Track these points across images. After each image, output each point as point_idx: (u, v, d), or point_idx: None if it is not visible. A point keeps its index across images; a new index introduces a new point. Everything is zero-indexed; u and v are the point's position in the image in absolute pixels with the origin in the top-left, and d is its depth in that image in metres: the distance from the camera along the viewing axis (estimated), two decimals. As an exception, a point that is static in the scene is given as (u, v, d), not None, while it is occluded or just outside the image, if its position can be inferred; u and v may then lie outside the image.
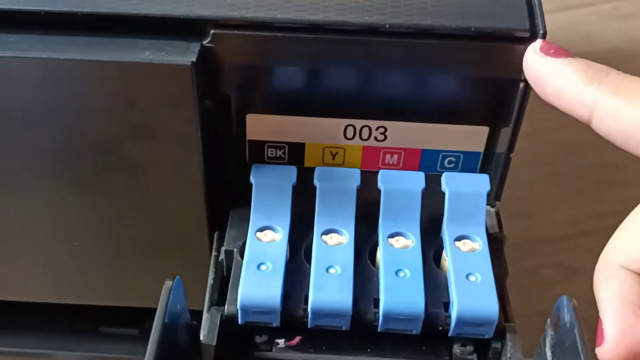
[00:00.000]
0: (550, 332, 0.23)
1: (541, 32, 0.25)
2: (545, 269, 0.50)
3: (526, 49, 0.25)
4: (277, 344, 0.26)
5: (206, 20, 0.25)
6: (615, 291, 0.23)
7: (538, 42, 0.25)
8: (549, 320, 0.23)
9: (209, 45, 0.26)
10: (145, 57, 0.24)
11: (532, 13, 0.26)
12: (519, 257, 0.50)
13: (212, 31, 0.26)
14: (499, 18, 0.26)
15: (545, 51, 0.25)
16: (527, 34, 0.25)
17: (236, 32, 0.26)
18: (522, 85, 0.27)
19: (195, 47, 0.25)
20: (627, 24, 0.68)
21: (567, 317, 0.22)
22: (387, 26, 0.25)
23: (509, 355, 0.25)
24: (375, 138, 0.29)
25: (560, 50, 0.24)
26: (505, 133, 0.29)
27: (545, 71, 0.24)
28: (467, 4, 0.26)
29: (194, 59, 0.25)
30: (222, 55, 0.26)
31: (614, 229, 0.24)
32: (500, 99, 0.28)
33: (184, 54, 0.25)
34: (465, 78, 0.28)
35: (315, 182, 0.28)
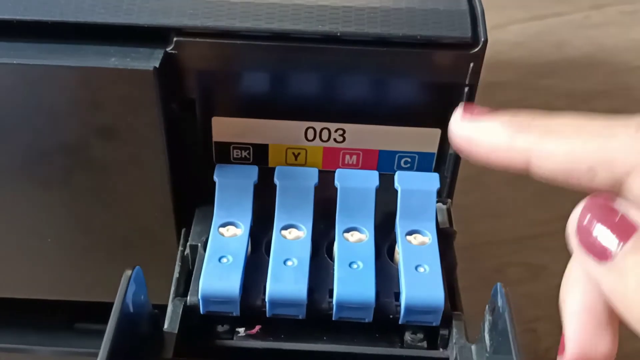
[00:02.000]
0: (488, 317, 0.25)
1: (482, 39, 0.27)
2: (511, 268, 0.51)
3: (469, 55, 0.27)
4: (238, 332, 0.27)
5: (169, 29, 0.27)
6: (579, 301, 0.22)
7: (458, 111, 0.23)
8: (487, 306, 0.25)
9: (172, 52, 0.27)
10: (110, 63, 0.26)
11: (475, 22, 0.28)
12: (486, 257, 0.52)
13: (175, 39, 0.27)
14: (443, 27, 0.27)
15: (467, 116, 0.23)
16: (469, 41, 0.27)
17: (197, 39, 0.27)
18: (466, 89, 0.28)
19: (159, 54, 0.27)
20: (598, 33, 0.70)
21: (500, 302, 0.24)
22: (338, 34, 0.27)
23: (454, 340, 0.27)
24: (335, 139, 0.31)
25: (480, 110, 0.23)
26: (455, 135, 0.30)
27: (473, 135, 0.23)
28: (414, 14, 0.28)
29: (157, 65, 0.26)
30: (185, 61, 0.28)
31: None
32: (449, 102, 0.29)
33: (147, 60, 0.26)
34: (416, 83, 0.29)
35: (276, 181, 0.30)
